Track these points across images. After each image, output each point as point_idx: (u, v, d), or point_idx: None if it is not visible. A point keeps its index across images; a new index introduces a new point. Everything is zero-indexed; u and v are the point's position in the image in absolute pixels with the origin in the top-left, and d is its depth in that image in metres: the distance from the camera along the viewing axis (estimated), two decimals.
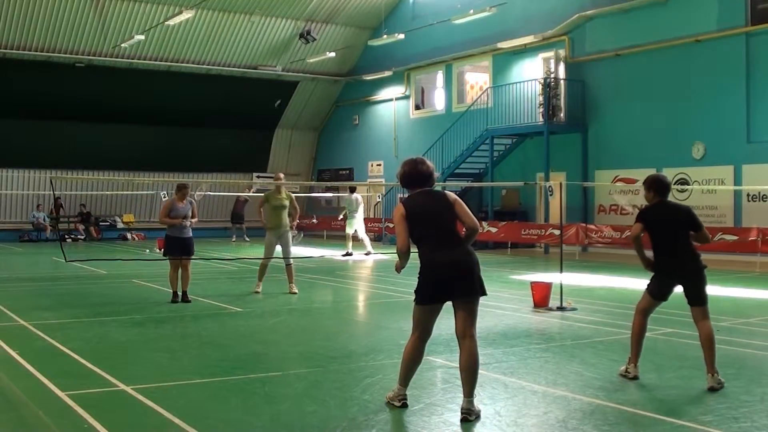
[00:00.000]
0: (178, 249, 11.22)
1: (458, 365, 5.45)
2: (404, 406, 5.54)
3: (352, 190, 21.18)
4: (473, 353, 5.36)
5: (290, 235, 12.39)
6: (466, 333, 5.38)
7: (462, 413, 5.29)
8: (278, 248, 12.37)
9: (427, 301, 5.40)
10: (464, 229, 5.53)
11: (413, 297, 5.47)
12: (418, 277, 5.42)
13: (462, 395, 5.36)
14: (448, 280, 5.32)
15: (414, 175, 5.62)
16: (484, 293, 5.43)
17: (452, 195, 5.60)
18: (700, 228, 6.52)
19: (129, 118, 28.15)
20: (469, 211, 5.57)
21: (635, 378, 6.47)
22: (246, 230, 27.41)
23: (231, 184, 28.24)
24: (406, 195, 5.73)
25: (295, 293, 12.16)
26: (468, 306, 5.39)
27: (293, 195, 12.50)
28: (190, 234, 11.35)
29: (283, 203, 12.26)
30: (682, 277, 6.42)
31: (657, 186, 6.62)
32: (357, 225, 20.44)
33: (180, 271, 11.26)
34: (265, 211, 12.33)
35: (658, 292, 6.56)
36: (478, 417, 5.30)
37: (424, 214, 5.45)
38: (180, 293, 11.29)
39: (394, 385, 5.71)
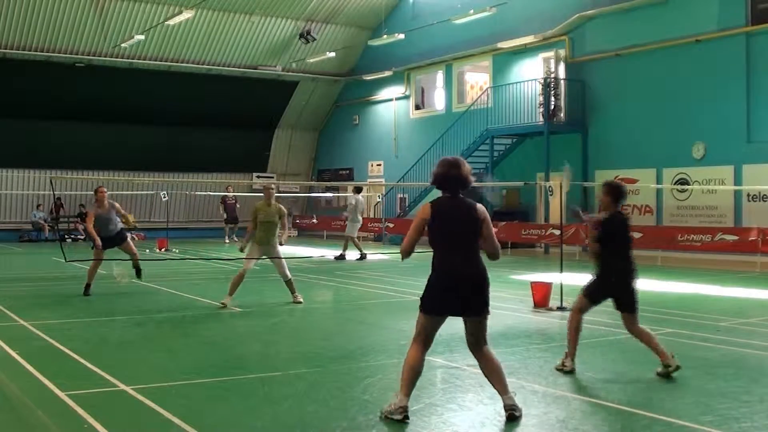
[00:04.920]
0: (108, 244, 12.37)
1: (482, 373, 5.47)
2: (405, 419, 5.21)
3: (358, 190, 19.99)
4: (492, 357, 5.40)
5: (279, 250, 11.07)
6: (478, 345, 5.39)
7: (507, 410, 5.29)
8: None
9: (435, 312, 5.32)
10: (485, 252, 5.38)
11: (419, 302, 5.38)
12: (427, 284, 5.33)
13: (500, 395, 5.36)
14: (457, 295, 5.21)
15: (446, 178, 5.36)
16: (487, 312, 5.35)
17: (483, 211, 5.35)
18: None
19: (129, 118, 28.13)
20: (494, 235, 5.38)
21: (572, 371, 6.69)
22: (238, 230, 26.88)
23: (232, 185, 28.17)
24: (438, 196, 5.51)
25: (301, 302, 11.19)
26: (476, 324, 5.36)
27: (285, 210, 11.20)
28: (118, 228, 12.45)
29: (271, 219, 10.79)
30: (624, 285, 6.66)
31: (617, 193, 6.79)
32: (357, 227, 19.42)
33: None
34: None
35: (595, 297, 6.82)
36: (520, 412, 5.30)
37: (449, 222, 5.28)
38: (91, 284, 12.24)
39: (394, 386, 5.63)
